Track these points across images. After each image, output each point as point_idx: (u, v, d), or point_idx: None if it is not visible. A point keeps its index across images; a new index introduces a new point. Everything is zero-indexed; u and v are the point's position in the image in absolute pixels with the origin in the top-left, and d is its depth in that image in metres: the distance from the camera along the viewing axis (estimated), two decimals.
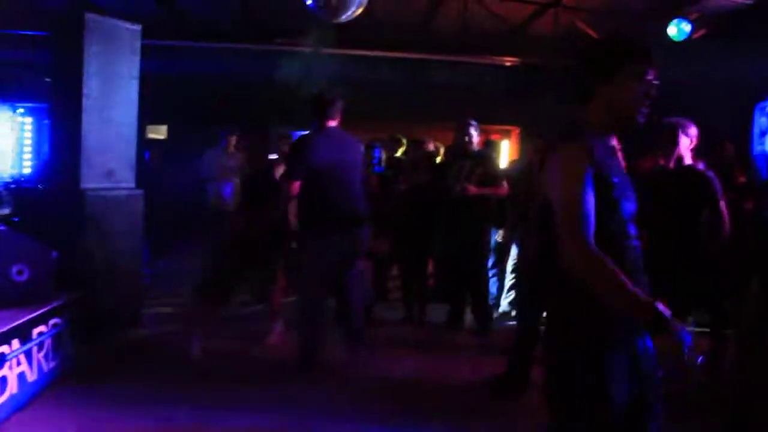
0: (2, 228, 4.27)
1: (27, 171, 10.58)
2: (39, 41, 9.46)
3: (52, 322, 4.29)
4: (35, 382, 4.08)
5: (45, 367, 4.20)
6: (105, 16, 5.43)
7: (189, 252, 8.51)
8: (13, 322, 3.90)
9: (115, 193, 5.43)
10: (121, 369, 4.73)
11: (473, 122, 5.86)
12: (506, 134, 11.82)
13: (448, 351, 5.50)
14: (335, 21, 6.24)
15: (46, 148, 10.40)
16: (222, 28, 9.83)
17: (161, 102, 8.81)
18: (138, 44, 5.58)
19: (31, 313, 4.09)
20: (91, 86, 5.23)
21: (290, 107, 11.19)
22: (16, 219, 6.22)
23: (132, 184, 5.60)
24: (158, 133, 11.16)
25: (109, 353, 5.01)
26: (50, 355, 4.28)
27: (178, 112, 10.48)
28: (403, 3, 8.34)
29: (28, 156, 10.74)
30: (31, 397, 4.01)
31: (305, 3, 6.19)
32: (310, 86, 10.65)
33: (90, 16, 5.27)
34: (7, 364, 3.74)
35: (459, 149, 5.95)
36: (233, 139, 8.57)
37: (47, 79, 5.73)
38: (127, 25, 5.53)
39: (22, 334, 3.94)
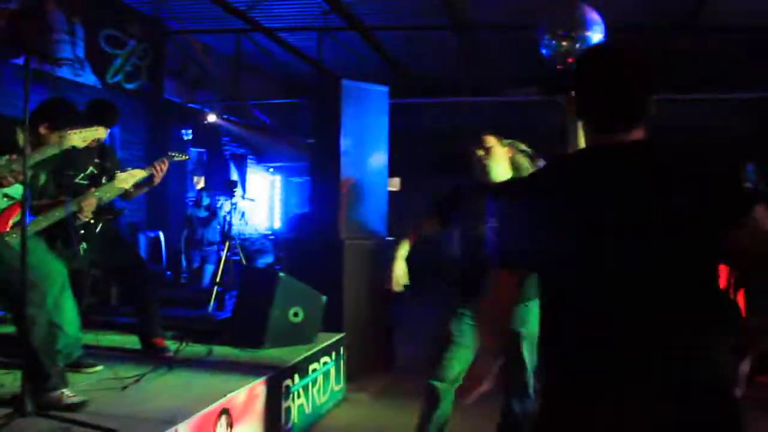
0: (283, 274, 4.79)
1: (278, 224, 11.72)
2: (286, 108, 10.56)
3: (323, 359, 4.72)
4: (310, 415, 4.49)
5: (317, 401, 4.62)
6: (357, 82, 5.98)
7: (427, 298, 8.83)
8: (294, 358, 4.36)
9: (370, 242, 5.85)
10: (378, 406, 5.04)
11: None
12: None
13: None
14: (570, 68, 6.32)
15: (292, 202, 11.52)
16: (446, 84, 10.31)
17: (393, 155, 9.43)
18: (386, 104, 6.06)
19: (307, 351, 4.55)
20: (348, 144, 5.75)
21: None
22: (278, 267, 6.91)
23: (384, 234, 6.01)
24: (392, 185, 11.79)
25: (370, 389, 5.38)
26: (321, 391, 4.69)
27: (408, 164, 11.02)
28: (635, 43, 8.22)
29: (278, 210, 11.90)
30: (306, 430, 4.42)
31: (540, 52, 6.36)
32: (532, 135, 10.81)
33: (345, 83, 5.83)
34: (291, 396, 4.17)
35: None
36: None
37: (309, 140, 6.38)
38: (377, 87, 6.04)
39: (301, 370, 4.38)
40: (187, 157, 4.98)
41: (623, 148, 1.61)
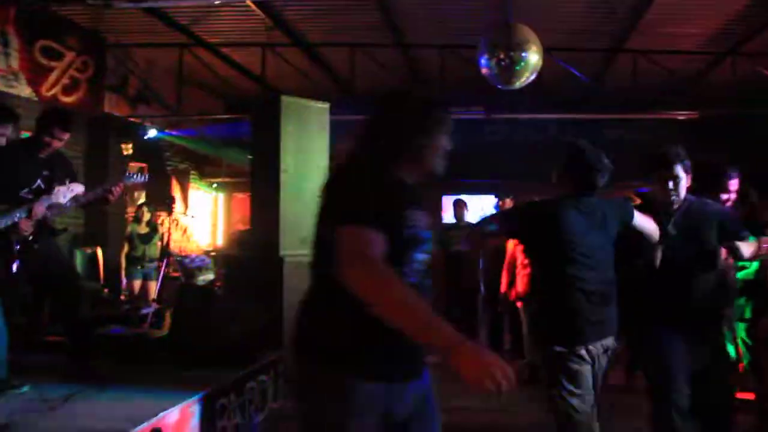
0: (220, 292, 4.74)
1: (220, 241, 11.59)
2: (229, 124, 10.50)
3: (260, 377, 4.67)
4: None
5: (255, 419, 4.57)
6: (298, 98, 5.98)
7: None
8: (231, 376, 4.31)
9: (308, 259, 5.80)
10: None
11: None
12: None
13: None
14: (509, 87, 6.47)
15: (235, 218, 11.41)
16: None
17: None
18: (327, 121, 6.07)
19: (244, 369, 4.50)
20: (288, 161, 5.73)
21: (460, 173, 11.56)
22: (219, 284, 6.83)
23: None
24: None
25: None
26: (259, 409, 4.64)
27: None
28: (572, 64, 8.45)
29: (220, 227, 11.79)
30: None
31: (480, 71, 6.49)
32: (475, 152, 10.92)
33: (285, 98, 5.82)
34: (227, 414, 4.12)
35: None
36: None
37: (249, 157, 6.33)
38: (317, 104, 6.05)
39: (238, 388, 4.33)
40: (143, 180, 4.90)
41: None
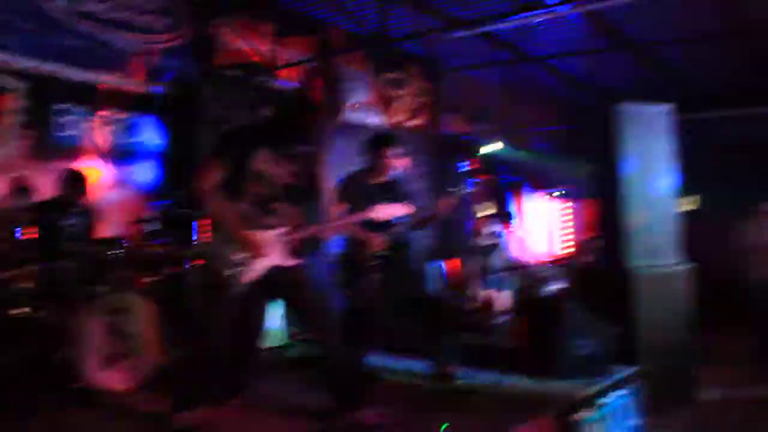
0: (571, 304, 4.73)
1: (564, 251, 11.56)
2: (563, 133, 10.45)
3: (616, 393, 4.54)
4: None
5: None
6: (635, 103, 5.74)
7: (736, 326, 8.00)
8: (585, 391, 4.25)
9: (662, 269, 5.56)
10: None
11: None
12: None
13: None
14: None
15: (578, 228, 11.27)
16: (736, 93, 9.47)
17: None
18: (669, 123, 5.75)
19: (598, 384, 4.42)
20: (630, 168, 5.53)
21: None
22: (567, 295, 6.81)
23: (676, 260, 5.67)
24: (689, 204, 10.88)
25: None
26: (617, 426, 4.50)
27: (706, 183, 10.13)
28: None
29: (562, 237, 11.75)
30: None
31: None
32: None
33: (621, 106, 5.64)
34: (581, 430, 4.08)
35: None
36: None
37: (585, 165, 6.24)
38: (657, 107, 5.75)
39: (593, 404, 4.25)
40: (462, 193, 5.09)
41: None
